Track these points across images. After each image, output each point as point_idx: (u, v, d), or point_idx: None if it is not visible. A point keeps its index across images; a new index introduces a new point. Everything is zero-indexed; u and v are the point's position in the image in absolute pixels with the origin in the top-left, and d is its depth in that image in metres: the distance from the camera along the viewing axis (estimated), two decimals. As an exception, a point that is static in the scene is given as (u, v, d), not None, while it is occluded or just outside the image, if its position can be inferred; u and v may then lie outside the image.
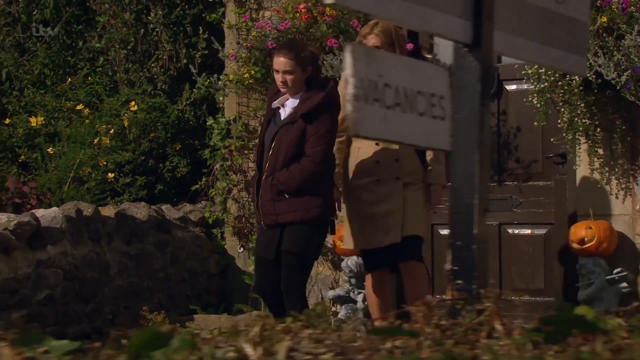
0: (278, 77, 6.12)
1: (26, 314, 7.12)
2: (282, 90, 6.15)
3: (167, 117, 9.26)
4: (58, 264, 7.39)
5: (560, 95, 6.99)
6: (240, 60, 8.05)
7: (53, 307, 7.32)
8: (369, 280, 6.51)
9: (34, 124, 9.61)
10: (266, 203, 6.12)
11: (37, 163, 9.35)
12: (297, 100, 6.12)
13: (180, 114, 9.28)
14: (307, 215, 6.09)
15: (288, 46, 6.29)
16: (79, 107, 9.57)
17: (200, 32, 9.19)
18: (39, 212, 7.45)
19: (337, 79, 7.57)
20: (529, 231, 7.90)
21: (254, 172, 6.52)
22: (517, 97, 7.89)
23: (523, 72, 7.05)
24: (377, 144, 6.15)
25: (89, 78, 9.87)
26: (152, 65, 9.43)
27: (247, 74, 7.95)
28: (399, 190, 6.22)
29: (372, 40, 6.00)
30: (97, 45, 9.57)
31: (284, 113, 6.18)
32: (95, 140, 9.18)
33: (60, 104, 9.74)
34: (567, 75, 6.86)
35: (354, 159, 6.31)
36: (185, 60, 9.27)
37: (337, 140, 6.23)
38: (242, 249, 8.60)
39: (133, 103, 9.26)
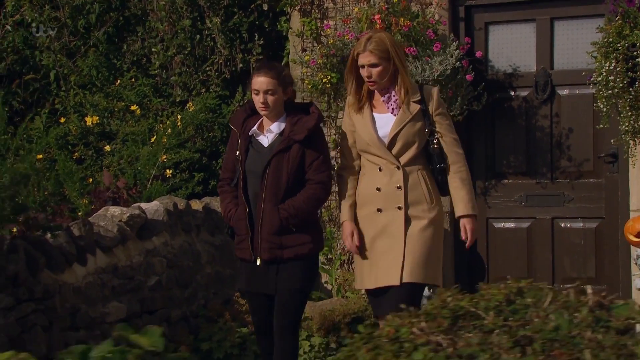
0: (258, 99, 5.74)
1: (141, 299, 7.65)
2: (262, 112, 5.79)
3: (222, 117, 9.82)
4: (162, 253, 7.91)
5: (628, 100, 7.74)
6: (317, 66, 8.63)
7: (160, 292, 7.83)
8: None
9: (89, 123, 10.08)
10: (269, 237, 5.73)
11: (91, 160, 9.86)
12: (283, 124, 5.80)
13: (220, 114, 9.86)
14: (315, 248, 5.83)
15: (268, 65, 5.86)
16: (133, 107, 10.08)
17: (256, 38, 9.78)
18: (143, 206, 7.95)
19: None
20: (580, 225, 8.64)
21: (233, 207, 5.92)
22: (570, 101, 8.66)
23: (592, 79, 7.79)
24: (380, 169, 5.78)
25: (132, 80, 10.36)
26: (208, 68, 9.97)
27: (325, 79, 8.55)
28: (399, 222, 5.71)
29: (366, 58, 5.68)
30: (154, 49, 10.06)
31: (268, 139, 5.83)
32: (153, 139, 9.70)
33: (111, 104, 10.22)
34: (636, 83, 7.61)
35: (359, 188, 5.91)
36: (241, 65, 9.83)
37: (348, 171, 5.93)
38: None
39: (190, 104, 9.80)
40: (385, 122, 5.80)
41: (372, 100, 5.85)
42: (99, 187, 8.29)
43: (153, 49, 10.14)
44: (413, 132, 5.75)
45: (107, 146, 9.90)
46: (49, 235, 6.90)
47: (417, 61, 8.25)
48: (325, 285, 8.97)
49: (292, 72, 9.23)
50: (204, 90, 10.01)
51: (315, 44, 9.10)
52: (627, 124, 7.65)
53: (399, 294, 5.60)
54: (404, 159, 5.76)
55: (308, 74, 8.83)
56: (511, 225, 8.80)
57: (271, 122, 5.85)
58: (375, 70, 5.69)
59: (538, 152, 8.71)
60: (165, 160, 9.43)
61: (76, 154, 10.01)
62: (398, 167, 5.76)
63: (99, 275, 7.21)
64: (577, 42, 8.60)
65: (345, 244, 6.01)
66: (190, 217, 8.32)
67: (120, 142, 9.97)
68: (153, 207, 7.96)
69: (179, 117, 9.72)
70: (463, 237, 5.83)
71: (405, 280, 5.62)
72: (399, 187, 5.72)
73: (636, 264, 8.10)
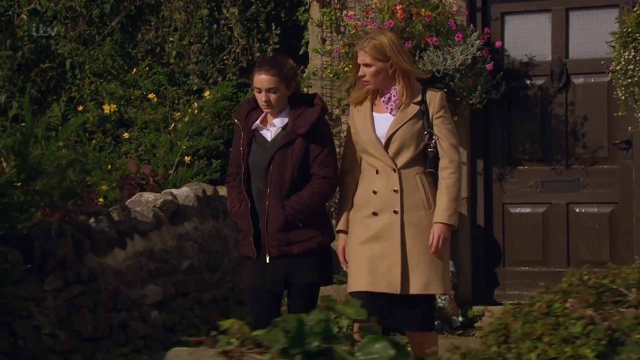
0: (260, 97, 5.59)
1: (175, 282, 7.85)
2: (266, 110, 5.64)
3: (240, 105, 10.00)
4: (193, 238, 8.10)
5: (646, 89, 7.98)
6: (340, 55, 8.83)
7: (193, 275, 8.03)
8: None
9: (107, 111, 10.24)
10: (275, 233, 5.57)
11: (108, 147, 10.02)
12: (286, 119, 5.65)
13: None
14: (324, 242, 5.67)
15: (269, 62, 5.71)
16: (150, 95, 10.25)
17: (273, 28, 9.98)
18: (174, 192, 8.14)
19: (436, 73, 8.50)
20: (595, 210, 8.89)
21: (237, 202, 5.76)
22: (584, 90, 8.91)
23: (612, 67, 8.03)
24: (377, 171, 5.63)
25: (147, 68, 10.53)
26: (224, 57, 10.15)
27: (347, 68, 8.75)
28: (395, 226, 5.54)
29: (361, 57, 5.63)
30: (172, 39, 10.23)
31: (271, 133, 5.67)
32: (171, 127, 9.87)
33: (128, 92, 10.39)
34: (656, 72, 7.84)
35: (357, 190, 5.74)
36: (258, 54, 10.02)
37: (349, 175, 5.77)
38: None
39: (208, 92, 9.98)
40: (383, 121, 5.68)
41: (374, 100, 5.75)
42: (127, 174, 8.44)
43: (170, 38, 10.30)
44: (410, 134, 5.60)
45: (126, 133, 10.06)
46: (91, 220, 7.07)
47: (438, 51, 8.46)
48: (345, 269, 9.15)
49: (312, 61, 9.44)
50: (220, 78, 10.19)
51: (335, 34, 9.29)
52: (646, 110, 7.89)
53: (419, 307, 5.56)
54: (400, 161, 5.60)
55: (329, 63, 9.00)
56: (527, 210, 9.04)
57: (275, 116, 5.69)
58: (368, 70, 5.62)
59: (553, 139, 8.95)
60: (184, 147, 9.59)
61: (94, 141, 10.17)
62: (394, 170, 5.59)
63: (137, 259, 7.40)
64: (592, 32, 8.84)
65: (338, 256, 5.83)
66: (217, 203, 8.51)
67: (138, 130, 10.13)
68: (184, 193, 8.14)
69: (195, 105, 9.89)
70: (429, 242, 5.53)
71: (409, 292, 5.48)
72: (395, 190, 5.56)
73: (651, 245, 8.37)
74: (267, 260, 5.59)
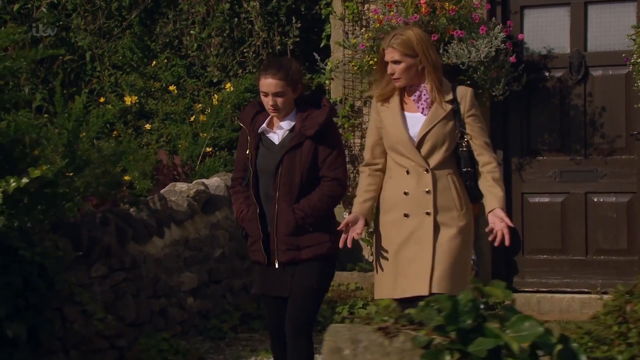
0: (267, 101, 5.45)
1: (208, 269, 8.02)
2: (273, 114, 5.51)
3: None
4: (224, 227, 8.27)
5: (666, 80, 8.19)
6: (365, 49, 9.02)
7: (224, 263, 8.21)
8: None
9: (128, 103, 10.40)
10: (285, 238, 5.42)
11: (130, 138, 10.16)
12: (293, 121, 5.52)
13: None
14: (333, 247, 5.48)
15: (275, 66, 5.50)
16: (171, 88, 10.41)
17: (293, 21, 10.16)
18: (205, 182, 8.30)
19: (461, 65, 8.70)
20: (613, 199, 9.11)
21: (245, 207, 5.59)
22: (603, 82, 9.12)
23: (632, 60, 8.23)
24: (407, 172, 5.41)
25: (165, 61, 10.68)
26: (245, 50, 10.32)
27: (372, 61, 8.93)
28: (428, 228, 5.33)
29: (390, 54, 5.42)
30: (192, 32, 10.40)
31: (278, 136, 5.53)
32: (192, 118, 10.03)
33: (148, 84, 10.54)
34: (676, 64, 8.07)
35: (384, 191, 5.52)
36: (278, 47, 10.20)
37: (371, 168, 5.55)
38: (346, 213, 9.57)
39: (229, 84, 10.15)
40: (415, 121, 5.45)
41: (403, 98, 5.52)
42: (160, 164, 8.60)
43: (191, 32, 10.46)
44: (443, 134, 5.40)
45: (147, 125, 10.21)
46: (132, 209, 7.24)
47: (462, 44, 8.65)
48: (367, 258, 9.36)
49: (334, 54, 9.62)
50: (240, 71, 10.35)
51: (357, 27, 9.46)
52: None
53: None
54: (433, 161, 5.39)
55: (351, 56, 9.19)
56: (546, 199, 9.25)
57: (281, 119, 5.53)
58: (398, 67, 5.40)
59: (572, 129, 9.16)
60: (208, 139, 9.76)
61: (115, 132, 10.31)
62: (427, 170, 5.37)
63: (174, 247, 7.57)
64: (610, 26, 9.05)
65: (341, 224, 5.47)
66: (245, 193, 8.66)
67: (159, 121, 10.29)
68: (214, 183, 8.31)
69: (216, 97, 10.04)
70: (492, 232, 5.28)
71: (433, 290, 5.22)
72: (427, 192, 5.34)
73: (669, 235, 8.58)
74: (277, 266, 5.44)
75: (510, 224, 5.27)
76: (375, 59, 8.81)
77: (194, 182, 8.24)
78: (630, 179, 9.02)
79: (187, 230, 7.78)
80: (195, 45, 10.39)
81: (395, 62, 5.40)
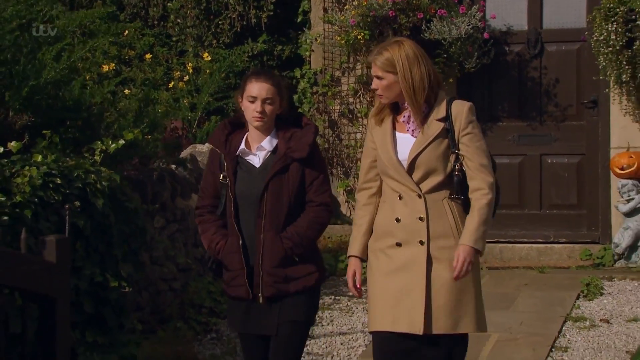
0: (254, 107, 4.96)
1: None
2: (256, 123, 4.98)
3: (236, 65, 10.95)
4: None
5: (626, 56, 9.31)
6: (350, 25, 9.90)
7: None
8: None
9: (106, 70, 11.01)
10: (272, 270, 4.94)
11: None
12: (275, 140, 5.04)
13: (247, 65, 11.00)
14: (320, 278, 5.08)
15: (267, 72, 5.15)
16: (147, 56, 11.07)
17: (268, -4, 10.99)
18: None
19: (442, 41, 9.71)
20: (565, 160, 10.30)
21: (221, 238, 5.04)
22: (557, 56, 10.28)
23: (594, 37, 9.39)
24: (400, 197, 4.91)
25: (134, 30, 11.33)
26: (220, 22, 11.07)
27: (360, 36, 9.83)
28: (421, 259, 4.84)
29: (373, 69, 4.95)
30: (169, 4, 11.08)
31: (259, 158, 5.01)
32: (171, 85, 10.74)
33: (122, 52, 11.17)
34: (636, 42, 9.21)
35: (378, 216, 5.03)
36: (254, 20, 10.99)
37: (365, 194, 5.05)
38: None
39: (207, 54, 10.89)
40: (405, 144, 4.96)
41: (396, 116, 5.02)
42: (171, 127, 9.30)
43: (168, 4, 11.13)
44: (436, 156, 4.88)
45: (127, 90, 10.84)
46: (175, 167, 7.99)
47: (443, 21, 9.64)
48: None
49: (314, 28, 10.48)
50: (214, 42, 11.08)
51: (336, 4, 10.33)
52: (624, 75, 9.27)
53: (448, 348, 4.89)
54: (426, 186, 4.89)
55: (340, 31, 10.05)
56: (505, 160, 10.34)
57: (259, 139, 5.03)
58: (380, 83, 4.92)
59: (529, 98, 10.30)
60: (186, 104, 10.44)
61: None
62: (419, 195, 4.88)
63: (205, 202, 8.35)
64: (564, 5, 10.21)
65: (348, 282, 5.03)
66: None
67: (138, 88, 10.93)
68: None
69: (189, 65, 10.73)
70: (454, 265, 4.77)
71: (434, 332, 4.81)
72: (420, 219, 4.85)
73: (619, 192, 9.77)
74: (261, 301, 4.98)
75: (463, 270, 4.76)
76: (363, 34, 9.74)
77: (206, 144, 8.98)
78: (580, 142, 10.20)
79: (213, 186, 8.56)
80: (160, 14, 11.02)
81: (378, 77, 4.94)
